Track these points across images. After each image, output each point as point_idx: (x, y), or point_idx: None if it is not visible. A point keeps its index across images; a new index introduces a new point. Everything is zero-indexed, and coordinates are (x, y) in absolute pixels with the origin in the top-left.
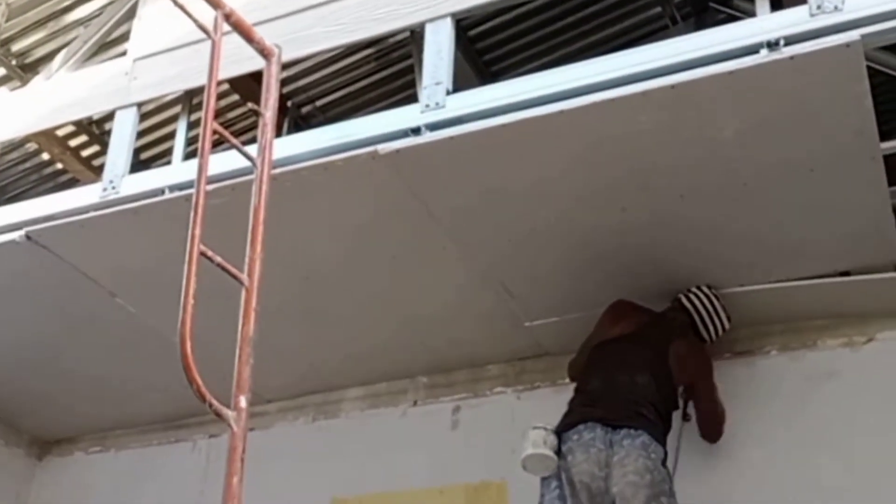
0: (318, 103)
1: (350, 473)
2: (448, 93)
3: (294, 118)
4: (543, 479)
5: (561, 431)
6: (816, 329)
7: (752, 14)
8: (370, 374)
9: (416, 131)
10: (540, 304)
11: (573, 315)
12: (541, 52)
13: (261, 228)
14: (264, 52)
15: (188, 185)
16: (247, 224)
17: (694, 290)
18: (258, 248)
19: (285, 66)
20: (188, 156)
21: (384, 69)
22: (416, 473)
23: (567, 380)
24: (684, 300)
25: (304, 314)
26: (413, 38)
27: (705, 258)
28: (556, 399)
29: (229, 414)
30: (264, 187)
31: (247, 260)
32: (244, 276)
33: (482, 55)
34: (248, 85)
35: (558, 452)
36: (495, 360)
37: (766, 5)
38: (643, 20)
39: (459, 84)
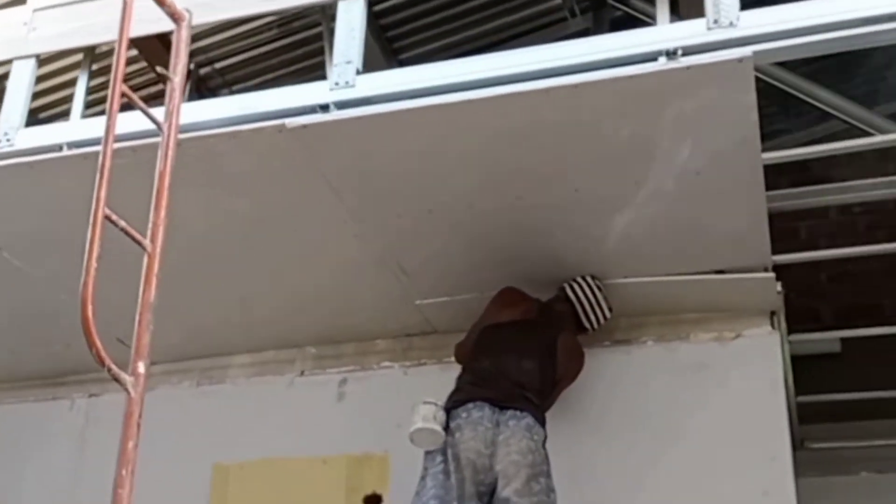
0: (218, 66)
1: (233, 440)
2: (358, 72)
3: (195, 81)
4: (427, 454)
5: (450, 408)
6: (690, 323)
7: (646, 14)
8: (259, 342)
9: (324, 108)
10: (432, 284)
11: (463, 296)
12: (443, 33)
13: (166, 194)
14: (174, 16)
15: (87, 143)
16: (146, 186)
17: (578, 279)
18: (162, 213)
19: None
20: (87, 113)
21: (285, 37)
22: (300, 443)
23: (453, 359)
24: (568, 290)
25: (197, 278)
26: (323, 13)
27: (594, 250)
28: (441, 376)
29: (127, 379)
30: (170, 153)
31: (150, 225)
32: (147, 242)
33: (385, 31)
34: (152, 45)
35: (446, 428)
36: (384, 335)
37: (666, 14)
38: (544, 10)
39: (368, 65)
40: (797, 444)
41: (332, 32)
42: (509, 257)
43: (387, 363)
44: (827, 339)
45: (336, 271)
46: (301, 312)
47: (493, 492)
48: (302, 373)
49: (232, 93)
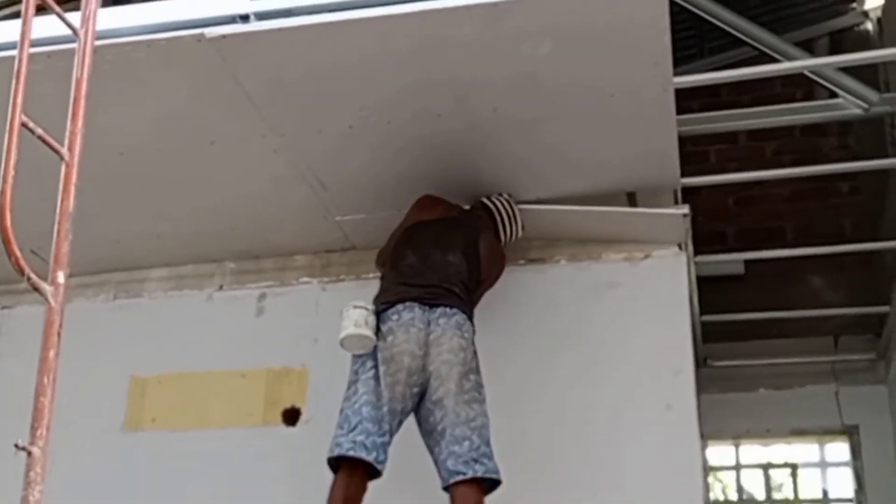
0: None
1: (151, 354)
2: None
3: None
4: (357, 358)
5: (380, 311)
6: (601, 243)
7: None
8: (177, 256)
9: (244, 18)
10: (352, 200)
11: (382, 213)
12: None
13: (82, 102)
14: None
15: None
16: (62, 93)
17: (495, 195)
18: (79, 122)
19: None
20: None
21: None
22: (218, 357)
23: (371, 274)
24: (487, 202)
25: (114, 190)
26: None
27: (510, 168)
28: (359, 292)
29: (47, 289)
30: (87, 60)
31: (67, 134)
32: (64, 150)
33: None
34: None
35: (377, 332)
36: (303, 250)
37: None
38: None
39: None
40: (700, 362)
41: None
42: (428, 175)
43: (305, 279)
44: (731, 261)
45: (255, 186)
46: (220, 227)
47: (424, 392)
48: (221, 287)
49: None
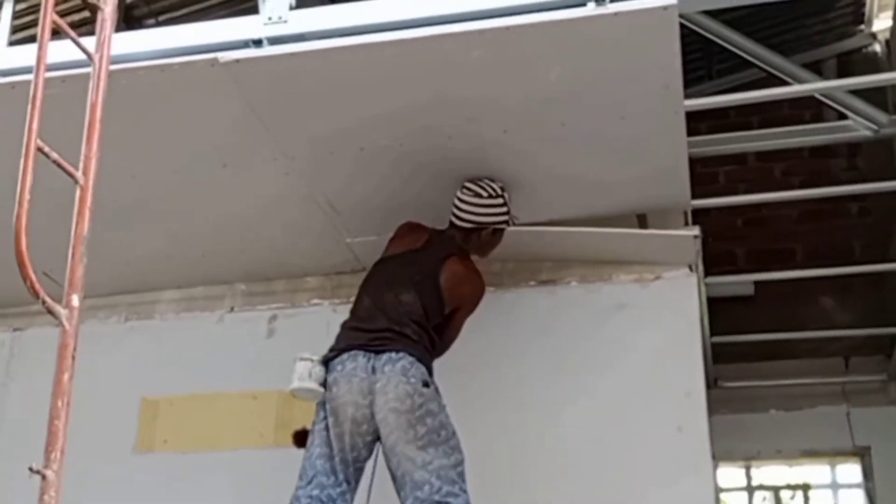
0: None
1: (162, 375)
2: (291, 8)
3: (121, 10)
4: (316, 408)
5: (328, 360)
6: (612, 264)
7: None
8: (188, 278)
9: (257, 43)
10: (362, 222)
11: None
12: None
13: (97, 126)
14: None
15: (14, 71)
16: (76, 117)
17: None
18: (94, 146)
19: None
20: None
21: None
22: (229, 378)
23: None
24: (457, 221)
25: (125, 212)
26: None
27: (520, 190)
28: None
29: (61, 312)
30: (102, 84)
31: (82, 158)
32: (79, 175)
33: None
34: None
35: (325, 382)
36: (314, 272)
37: None
38: None
39: None
40: (711, 383)
41: None
42: (438, 197)
43: (316, 300)
44: (741, 282)
45: (267, 208)
46: (231, 249)
47: (379, 437)
48: (232, 309)
49: (159, 23)
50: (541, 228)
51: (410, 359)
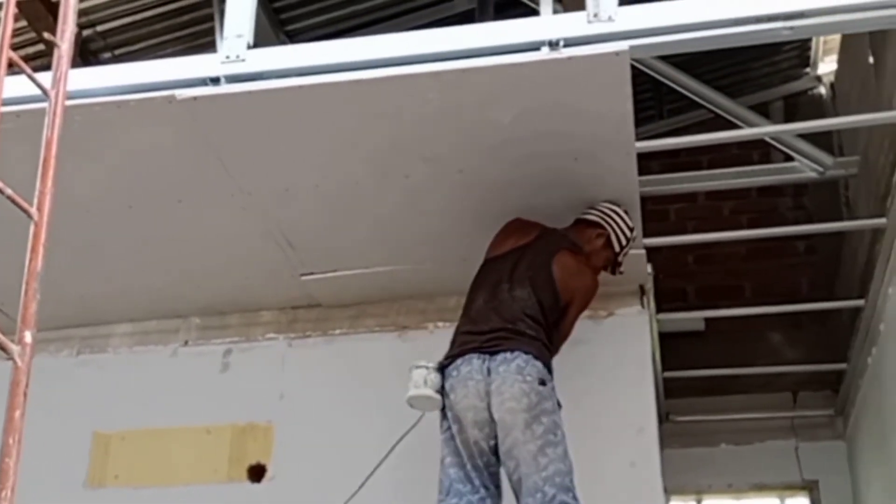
0: (100, 29)
1: (114, 409)
2: (249, 47)
3: (77, 45)
4: (440, 416)
5: (443, 367)
6: None
7: None
8: (142, 311)
9: (215, 81)
10: (318, 258)
11: (349, 272)
12: (331, 6)
13: (52, 162)
14: None
15: None
16: (30, 152)
17: (595, 206)
18: (49, 182)
19: None
20: None
21: (171, 2)
22: (183, 412)
23: (338, 331)
24: (582, 215)
25: (79, 246)
26: None
27: (475, 228)
28: (326, 348)
29: (14, 348)
30: (57, 121)
31: (37, 194)
32: (34, 210)
33: (279, 12)
34: (34, 7)
35: (442, 388)
36: (269, 307)
37: (550, 5)
38: None
39: (255, 37)
40: (663, 417)
41: (221, 1)
42: (395, 235)
43: (272, 334)
44: (692, 318)
45: (222, 243)
46: (186, 283)
47: (497, 440)
48: (186, 343)
49: (115, 57)
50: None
51: (526, 357)
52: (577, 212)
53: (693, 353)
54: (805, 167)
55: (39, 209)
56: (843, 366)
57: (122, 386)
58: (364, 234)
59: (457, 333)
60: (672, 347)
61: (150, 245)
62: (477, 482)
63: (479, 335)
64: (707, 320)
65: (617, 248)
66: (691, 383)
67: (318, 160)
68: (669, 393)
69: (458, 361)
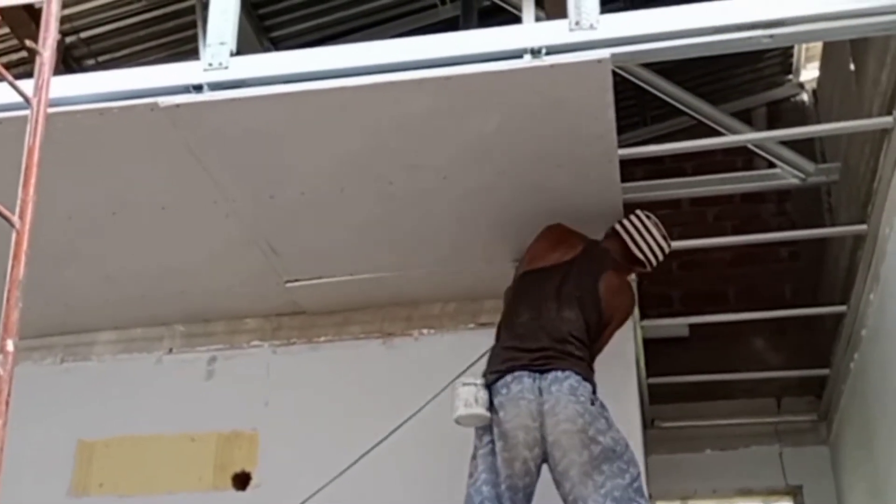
0: (83, 35)
1: (98, 417)
2: (232, 54)
3: (60, 51)
4: (477, 430)
5: (490, 384)
6: None
7: (513, 4)
8: (126, 319)
9: (198, 88)
10: (302, 265)
11: (334, 278)
12: (315, 13)
13: (35, 171)
14: None
15: None
16: (11, 158)
17: (628, 215)
18: (31, 190)
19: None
20: None
21: (154, 9)
22: (167, 420)
23: (323, 338)
24: (617, 226)
25: (62, 253)
26: None
27: (460, 236)
28: (310, 355)
29: None
30: (40, 129)
31: (18, 202)
32: (15, 219)
33: (256, 8)
34: (16, 14)
35: (491, 404)
36: (254, 314)
37: (532, 13)
38: None
39: (239, 43)
40: (648, 423)
41: (204, 7)
42: (379, 242)
43: (256, 342)
44: (677, 324)
45: (207, 250)
46: (170, 290)
47: (547, 459)
48: (170, 350)
49: (99, 64)
50: (481, 266)
51: (577, 377)
52: (561, 218)
53: (678, 358)
54: (787, 174)
55: (21, 217)
56: (826, 371)
57: (107, 394)
58: (349, 241)
59: (501, 348)
60: (657, 353)
61: (134, 252)
62: (508, 503)
63: (526, 352)
64: (691, 326)
65: (650, 269)
66: (676, 389)
67: (302, 167)
68: (654, 398)
69: (508, 378)
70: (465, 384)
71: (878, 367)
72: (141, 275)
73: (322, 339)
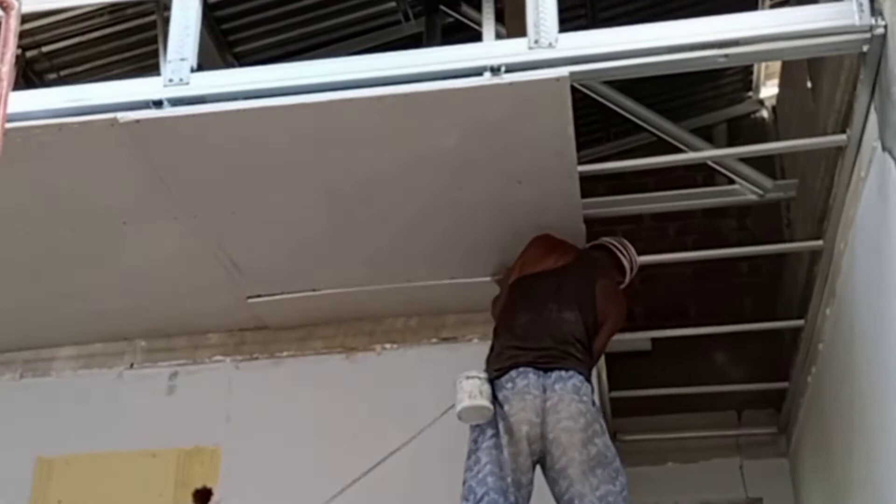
0: (45, 49)
1: (58, 434)
2: (193, 70)
3: (21, 65)
4: (475, 427)
5: (493, 379)
6: None
7: (476, 21)
8: (86, 334)
9: (158, 104)
10: (265, 280)
11: (295, 294)
12: (278, 28)
13: None
14: (2, 4)
15: None
16: None
17: (610, 238)
18: None
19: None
20: None
21: (117, 24)
22: (128, 437)
23: (286, 353)
24: (604, 240)
25: (19, 269)
26: (157, 3)
27: (421, 249)
28: (273, 370)
29: None
30: None
31: None
32: None
33: (220, 23)
34: None
35: (494, 400)
36: (216, 329)
37: (492, 31)
38: (379, 12)
39: (201, 58)
40: (610, 436)
41: (166, 22)
42: (340, 257)
43: (219, 357)
44: (639, 339)
45: (167, 265)
46: (131, 305)
47: (542, 459)
48: (131, 366)
49: (60, 78)
50: (447, 282)
51: (580, 377)
52: (522, 235)
53: (640, 372)
54: (746, 190)
55: None
56: (785, 384)
57: (66, 410)
58: (310, 257)
59: (501, 347)
60: (619, 367)
61: (94, 267)
62: (512, 498)
63: (529, 350)
64: (653, 340)
65: (625, 283)
66: (638, 402)
67: (263, 183)
68: (616, 412)
69: (513, 373)
70: (468, 377)
71: (835, 380)
72: (101, 290)
73: (285, 353)
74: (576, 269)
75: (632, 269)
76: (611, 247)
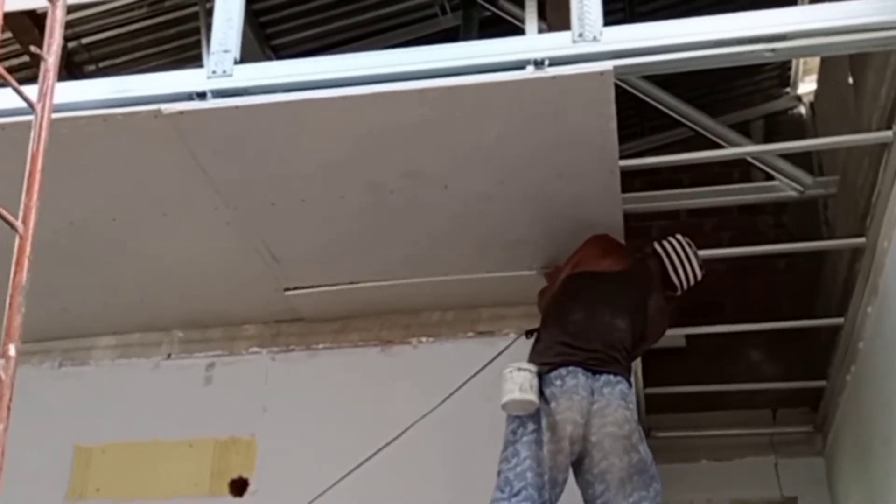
0: (85, 41)
1: (96, 423)
2: (236, 62)
3: (63, 57)
4: (515, 418)
5: (542, 373)
6: None
7: (514, 16)
8: (125, 324)
9: (201, 96)
10: (302, 272)
11: (332, 287)
12: (317, 21)
13: (38, 176)
14: None
15: None
16: (14, 164)
17: (669, 237)
18: (34, 196)
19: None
20: None
21: (156, 16)
22: (165, 426)
23: (321, 345)
24: (657, 246)
25: (63, 259)
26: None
27: (461, 244)
28: (309, 362)
29: None
30: (44, 134)
31: (22, 207)
32: (19, 224)
33: (258, 16)
34: (20, 21)
35: (540, 394)
36: (253, 320)
37: (535, 24)
38: (416, 6)
39: (242, 51)
40: (644, 433)
41: (208, 14)
42: (379, 250)
43: (255, 348)
44: (673, 335)
45: (207, 256)
46: (170, 296)
47: (580, 460)
48: (169, 356)
49: (100, 70)
50: (479, 276)
51: (627, 384)
52: (560, 229)
53: (674, 369)
54: (785, 186)
55: (25, 222)
56: (822, 383)
57: (104, 399)
58: (348, 249)
59: (551, 341)
60: (653, 364)
61: (134, 258)
62: (546, 495)
63: (580, 350)
64: (688, 337)
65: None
66: (672, 399)
67: (304, 175)
68: (650, 409)
69: (563, 371)
70: (520, 369)
71: (876, 379)
72: (140, 280)
73: (321, 346)
74: (632, 278)
75: (682, 283)
76: (665, 261)
